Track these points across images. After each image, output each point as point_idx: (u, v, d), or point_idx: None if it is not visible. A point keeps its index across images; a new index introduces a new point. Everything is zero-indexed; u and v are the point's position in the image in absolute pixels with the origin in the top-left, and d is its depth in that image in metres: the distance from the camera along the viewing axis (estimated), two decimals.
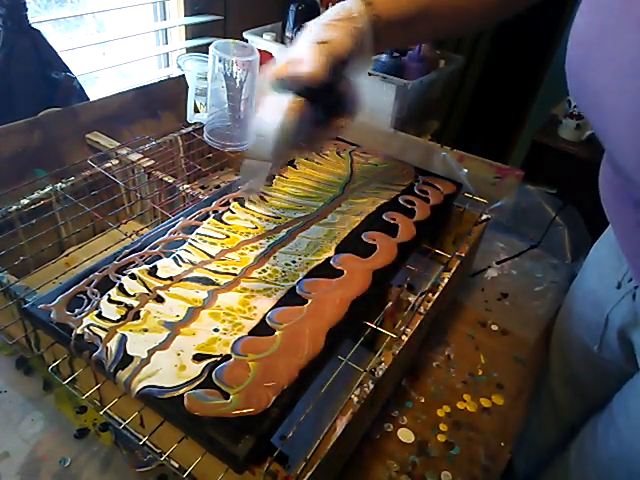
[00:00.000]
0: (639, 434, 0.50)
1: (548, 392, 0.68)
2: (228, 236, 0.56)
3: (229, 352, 0.42)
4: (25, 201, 0.63)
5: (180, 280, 0.49)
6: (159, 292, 0.47)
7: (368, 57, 0.47)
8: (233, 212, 0.60)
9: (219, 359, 0.42)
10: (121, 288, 0.47)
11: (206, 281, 0.50)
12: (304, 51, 0.43)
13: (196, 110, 0.84)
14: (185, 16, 1.07)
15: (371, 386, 0.46)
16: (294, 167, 0.71)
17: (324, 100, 0.45)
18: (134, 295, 0.47)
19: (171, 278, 0.49)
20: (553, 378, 0.68)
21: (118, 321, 0.44)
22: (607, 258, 0.58)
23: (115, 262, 0.50)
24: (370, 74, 0.97)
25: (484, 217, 0.70)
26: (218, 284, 0.49)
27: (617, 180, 0.46)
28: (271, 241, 0.56)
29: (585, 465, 0.58)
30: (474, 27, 0.58)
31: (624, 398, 0.54)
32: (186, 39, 1.11)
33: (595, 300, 0.58)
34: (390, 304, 0.55)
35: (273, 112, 0.44)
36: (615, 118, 0.34)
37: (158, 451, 0.42)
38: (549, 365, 0.68)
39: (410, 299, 0.55)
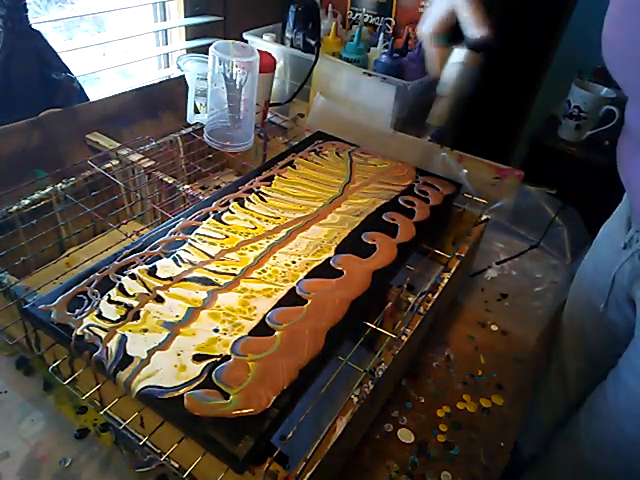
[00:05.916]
0: None
1: (559, 369, 0.71)
2: (227, 236, 0.56)
3: (229, 352, 0.43)
4: (25, 201, 0.63)
5: (180, 280, 0.49)
6: (159, 292, 0.48)
7: None
8: (232, 212, 0.60)
9: (219, 359, 0.42)
10: (121, 288, 0.47)
11: (206, 281, 0.50)
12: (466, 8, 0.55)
13: (196, 111, 0.84)
14: (185, 17, 1.07)
15: (371, 386, 0.46)
16: (294, 167, 0.71)
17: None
18: (134, 295, 0.47)
19: (171, 278, 0.49)
20: (564, 353, 0.70)
21: (118, 321, 0.44)
22: (617, 228, 0.60)
23: (115, 262, 0.50)
24: (370, 75, 0.97)
25: (484, 217, 0.70)
26: (218, 284, 0.50)
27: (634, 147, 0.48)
28: (271, 241, 0.56)
29: (595, 420, 0.60)
30: None
31: (629, 358, 0.57)
32: (186, 40, 1.11)
33: (603, 265, 0.61)
34: (390, 304, 0.55)
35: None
36: None
37: (158, 451, 0.42)
38: (560, 341, 0.71)
39: (410, 299, 0.56)
